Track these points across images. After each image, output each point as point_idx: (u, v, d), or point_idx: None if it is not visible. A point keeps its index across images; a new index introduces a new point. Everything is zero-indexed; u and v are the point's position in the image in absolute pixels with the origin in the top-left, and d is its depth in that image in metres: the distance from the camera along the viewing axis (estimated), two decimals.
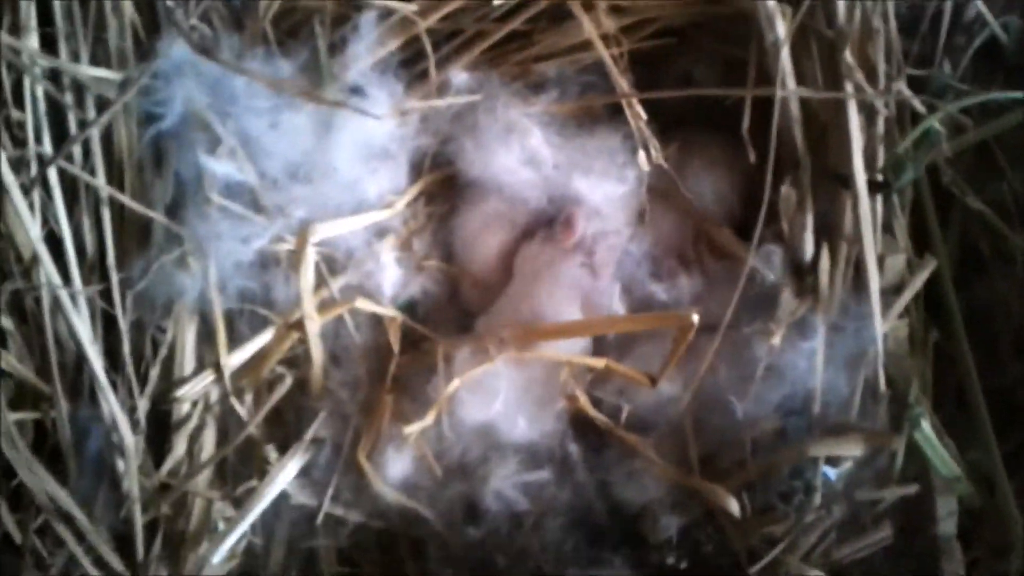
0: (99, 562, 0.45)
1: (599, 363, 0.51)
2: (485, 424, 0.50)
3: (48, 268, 0.45)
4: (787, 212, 0.54)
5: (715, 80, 0.59)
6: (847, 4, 0.53)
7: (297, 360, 0.53)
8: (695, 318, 0.48)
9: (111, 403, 0.45)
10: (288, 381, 0.49)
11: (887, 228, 0.56)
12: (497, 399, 0.49)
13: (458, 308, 0.58)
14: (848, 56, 0.51)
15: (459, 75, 0.53)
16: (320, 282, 0.53)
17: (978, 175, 0.60)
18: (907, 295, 0.55)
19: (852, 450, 0.50)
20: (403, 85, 0.53)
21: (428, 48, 0.52)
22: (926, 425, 0.50)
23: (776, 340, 0.51)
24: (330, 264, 0.53)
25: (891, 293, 0.56)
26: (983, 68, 0.60)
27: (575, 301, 0.54)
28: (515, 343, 0.51)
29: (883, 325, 0.53)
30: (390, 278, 0.54)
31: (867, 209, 0.53)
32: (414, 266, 0.56)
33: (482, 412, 0.49)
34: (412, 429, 0.48)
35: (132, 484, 0.45)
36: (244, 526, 0.47)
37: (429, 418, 0.48)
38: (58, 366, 0.47)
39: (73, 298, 0.45)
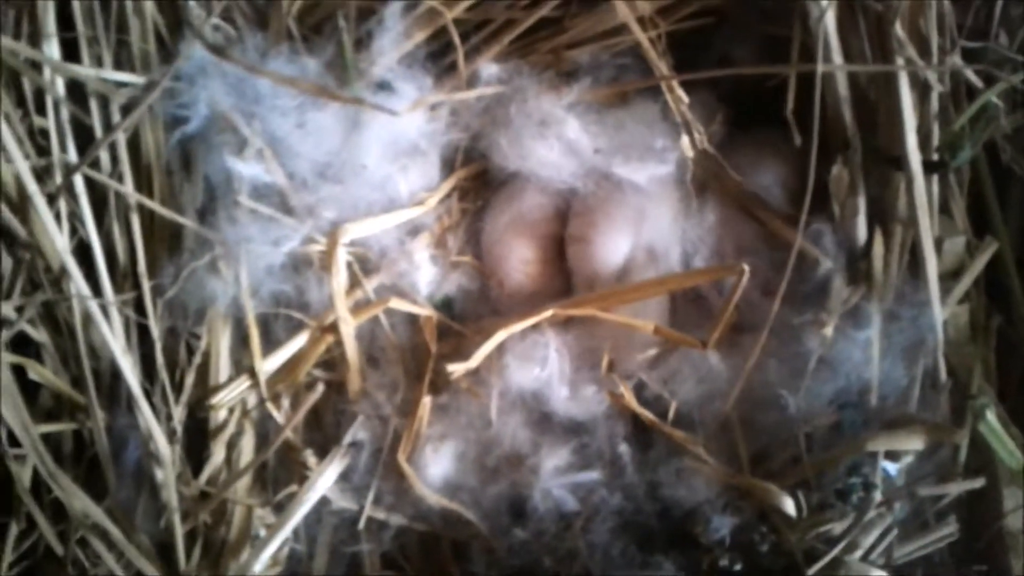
0: (140, 573, 0.44)
1: (648, 326, 0.49)
2: (534, 396, 0.49)
3: (77, 280, 0.45)
4: (838, 195, 0.51)
5: (757, 60, 0.56)
6: None
7: (334, 362, 0.52)
8: (746, 268, 0.47)
9: (146, 414, 0.45)
10: (320, 388, 0.48)
11: (944, 209, 0.53)
12: (546, 365, 0.49)
13: (497, 305, 0.56)
14: (899, 29, 0.48)
15: (488, 67, 0.52)
16: (354, 283, 0.52)
17: None
18: (967, 279, 0.53)
19: (913, 444, 0.48)
20: (431, 78, 0.52)
21: (456, 39, 0.50)
22: (991, 416, 0.48)
23: (829, 330, 0.49)
24: (363, 264, 0.52)
25: (949, 278, 0.53)
26: None
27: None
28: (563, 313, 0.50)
29: (942, 311, 0.51)
30: (425, 276, 0.53)
31: (922, 191, 0.50)
32: (449, 263, 0.55)
33: (530, 378, 0.49)
34: (457, 368, 0.47)
35: (171, 494, 0.44)
36: (285, 533, 0.46)
37: (475, 360, 0.47)
38: (93, 375, 0.46)
39: (104, 309, 0.44)
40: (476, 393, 0.49)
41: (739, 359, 0.50)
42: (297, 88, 0.45)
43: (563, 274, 0.55)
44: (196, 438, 0.48)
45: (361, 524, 0.49)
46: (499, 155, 0.54)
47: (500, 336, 0.48)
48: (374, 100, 0.47)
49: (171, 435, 0.45)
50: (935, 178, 0.51)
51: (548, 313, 0.49)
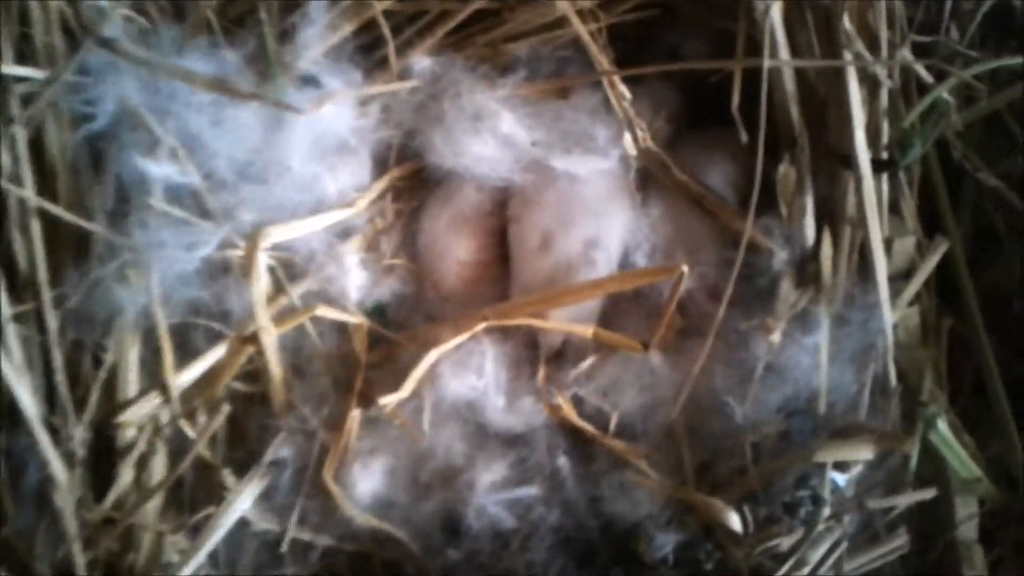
0: None
1: (587, 330, 0.48)
2: (469, 407, 0.47)
3: None
4: (786, 195, 0.50)
5: (704, 55, 0.54)
6: None
7: (256, 374, 0.49)
8: (685, 269, 0.45)
9: (40, 436, 0.41)
10: (225, 408, 0.44)
11: (894, 208, 0.52)
12: (481, 374, 0.47)
13: (432, 310, 0.53)
14: (846, 23, 0.47)
15: (421, 60, 0.49)
16: (279, 289, 0.49)
17: (989, 148, 0.55)
18: (918, 280, 0.51)
19: (862, 454, 0.46)
20: (361, 72, 0.49)
21: (386, 31, 0.48)
22: (943, 426, 0.46)
23: (776, 336, 0.47)
24: (289, 269, 0.49)
25: (900, 279, 0.52)
26: (992, 34, 0.56)
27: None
28: (497, 318, 0.48)
29: (892, 314, 0.49)
30: (355, 281, 0.50)
31: (871, 190, 0.48)
32: (381, 267, 0.52)
33: (465, 387, 0.47)
34: (388, 400, 0.44)
35: (69, 521, 0.41)
36: (199, 559, 0.43)
37: (406, 390, 0.45)
38: None
39: None
40: (408, 426, 0.47)
41: (684, 364, 0.48)
42: (199, 85, 0.42)
43: (502, 275, 0.52)
44: (107, 459, 0.45)
45: (284, 546, 0.46)
46: (434, 153, 0.51)
47: (432, 357, 0.46)
48: (287, 97, 0.43)
49: (70, 458, 0.42)
50: (885, 177, 0.50)
51: (482, 325, 0.46)
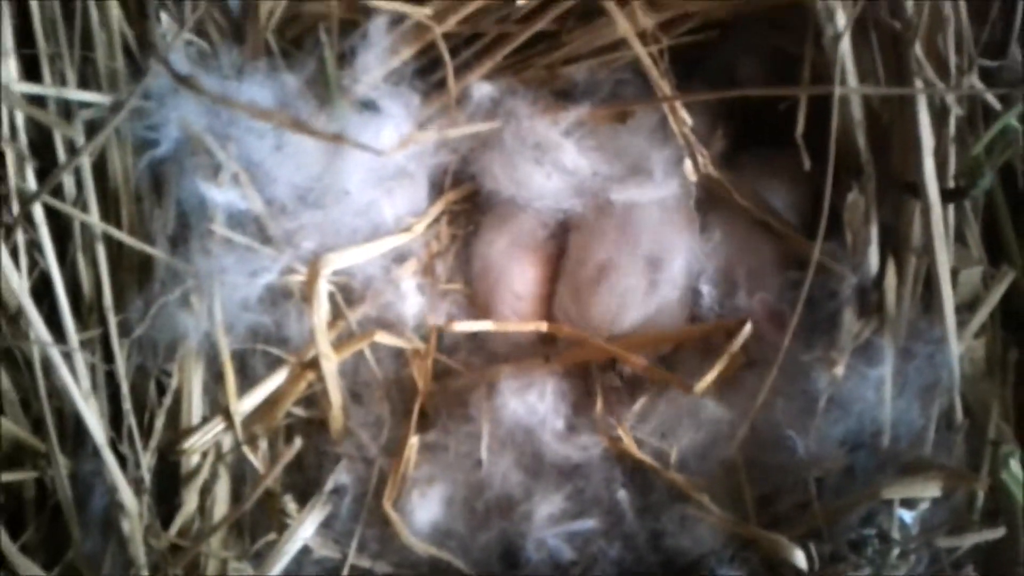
0: None
1: (638, 362, 0.47)
2: (526, 435, 0.47)
3: (36, 324, 0.41)
4: (853, 224, 0.49)
5: (764, 73, 0.53)
6: None
7: (315, 399, 0.49)
8: (748, 327, 0.46)
9: (110, 464, 0.41)
10: (297, 442, 0.44)
11: (959, 238, 0.51)
12: (543, 398, 0.47)
13: (488, 337, 0.53)
14: (918, 49, 0.45)
15: (480, 87, 0.48)
16: (337, 314, 0.49)
17: None
18: (984, 311, 0.50)
19: (930, 491, 0.45)
20: (419, 96, 0.49)
21: (445, 55, 0.47)
22: (1015, 464, 0.45)
23: (840, 370, 0.46)
24: (347, 294, 0.49)
25: (964, 310, 0.50)
26: None
27: (635, 313, 0.50)
28: (562, 361, 0.48)
29: (959, 346, 0.48)
30: (412, 306, 0.50)
31: (939, 219, 0.47)
32: (438, 292, 0.52)
33: (524, 410, 0.47)
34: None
35: (138, 549, 0.41)
36: None
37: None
38: (57, 418, 0.43)
39: (66, 354, 0.41)
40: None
41: (744, 396, 0.48)
42: (271, 121, 0.42)
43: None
44: (168, 483, 0.45)
45: (344, 573, 0.46)
46: (492, 180, 0.51)
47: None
48: (356, 133, 0.43)
49: (138, 484, 0.42)
50: (951, 205, 0.49)
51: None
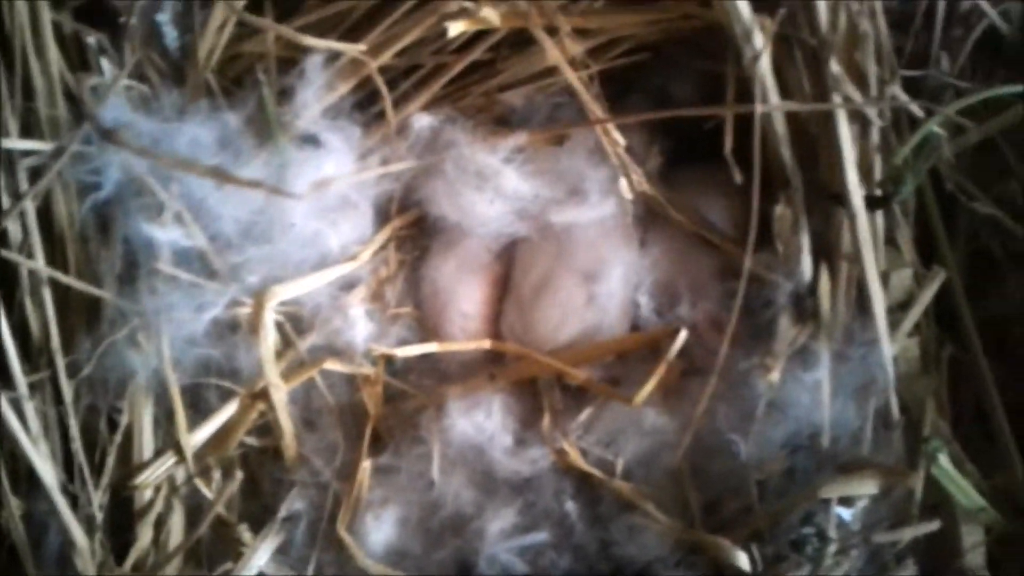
0: None
1: (578, 376, 0.49)
2: (476, 453, 0.48)
3: None
4: (782, 234, 0.50)
5: (693, 96, 0.55)
6: (830, 5, 0.49)
7: (269, 427, 0.50)
8: (683, 333, 0.47)
9: (60, 505, 0.42)
10: (238, 476, 0.45)
11: (890, 241, 0.52)
12: (489, 415, 0.49)
13: (438, 358, 0.54)
14: (834, 65, 0.47)
15: (420, 117, 0.50)
16: (287, 343, 0.50)
17: (983, 175, 0.56)
18: (916, 311, 0.52)
19: (867, 488, 0.46)
20: (359, 128, 0.50)
21: (383, 89, 0.49)
22: (944, 460, 0.47)
23: (775, 375, 0.48)
24: (296, 323, 0.50)
25: (898, 310, 0.52)
26: (982, 61, 0.56)
27: (575, 325, 0.51)
28: (506, 378, 0.49)
29: (892, 346, 0.50)
30: (361, 332, 0.51)
31: (865, 226, 0.49)
32: (387, 317, 0.53)
33: (473, 429, 0.49)
34: None
35: None
36: None
37: None
38: (10, 460, 0.44)
39: (14, 400, 0.42)
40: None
41: (687, 405, 0.49)
42: (192, 171, 0.43)
43: None
44: (124, 518, 0.46)
45: None
46: (436, 207, 0.52)
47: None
48: (298, 167, 0.45)
49: (90, 522, 0.43)
50: (879, 212, 0.51)
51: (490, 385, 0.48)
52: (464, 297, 0.53)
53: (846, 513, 0.47)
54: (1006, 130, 0.54)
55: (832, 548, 0.45)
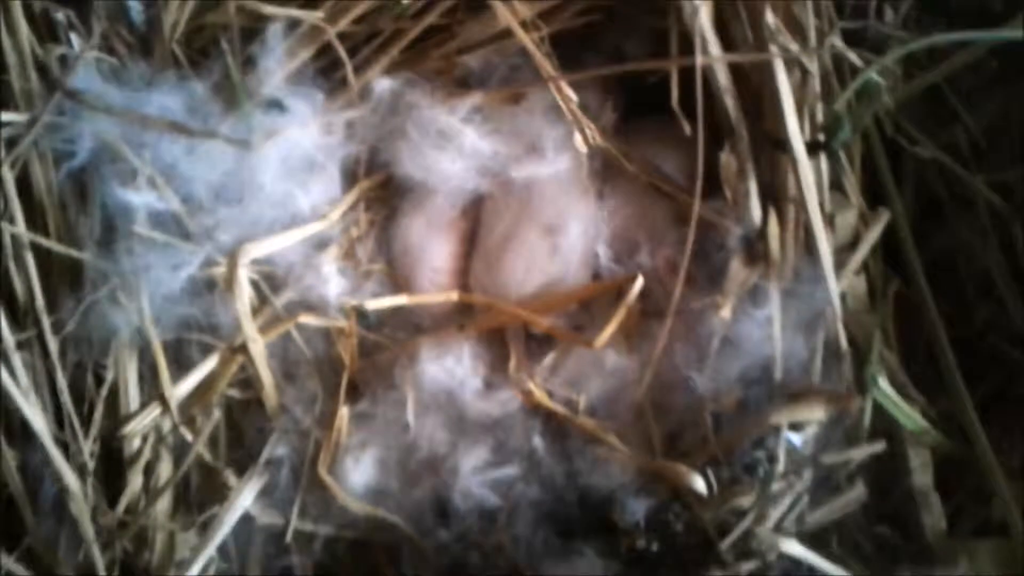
0: None
1: (541, 323, 0.51)
2: (449, 397, 0.51)
3: None
4: (729, 180, 0.53)
5: (645, 52, 0.57)
6: None
7: (250, 380, 0.52)
8: (640, 281, 0.49)
9: (52, 452, 0.45)
10: (216, 415, 0.48)
11: (837, 185, 0.55)
12: (461, 361, 0.51)
13: (411, 311, 0.57)
14: (770, 17, 0.50)
15: (381, 81, 0.52)
16: (263, 300, 0.52)
17: (931, 121, 0.58)
18: (861, 250, 0.54)
19: (813, 415, 0.49)
20: (323, 93, 0.52)
21: (343, 54, 0.51)
22: (884, 383, 0.49)
23: (726, 312, 0.50)
24: (272, 282, 0.53)
25: (847, 250, 0.55)
26: (928, 14, 0.59)
27: (539, 276, 0.54)
28: (475, 327, 0.52)
29: (838, 283, 0.52)
30: (334, 288, 0.54)
31: (808, 171, 0.51)
32: (359, 274, 0.55)
33: (444, 375, 0.51)
34: None
35: (86, 526, 0.45)
36: (208, 552, 0.47)
37: None
38: (6, 415, 0.47)
39: (4, 354, 0.44)
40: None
41: (648, 345, 0.52)
42: (160, 129, 0.45)
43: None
44: (115, 468, 0.49)
45: (288, 537, 0.50)
46: (401, 167, 0.54)
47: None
48: (265, 132, 0.47)
49: (82, 469, 0.45)
50: (822, 157, 0.53)
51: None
52: (433, 253, 0.55)
53: (796, 438, 0.50)
54: (952, 78, 0.57)
55: (779, 469, 0.48)
